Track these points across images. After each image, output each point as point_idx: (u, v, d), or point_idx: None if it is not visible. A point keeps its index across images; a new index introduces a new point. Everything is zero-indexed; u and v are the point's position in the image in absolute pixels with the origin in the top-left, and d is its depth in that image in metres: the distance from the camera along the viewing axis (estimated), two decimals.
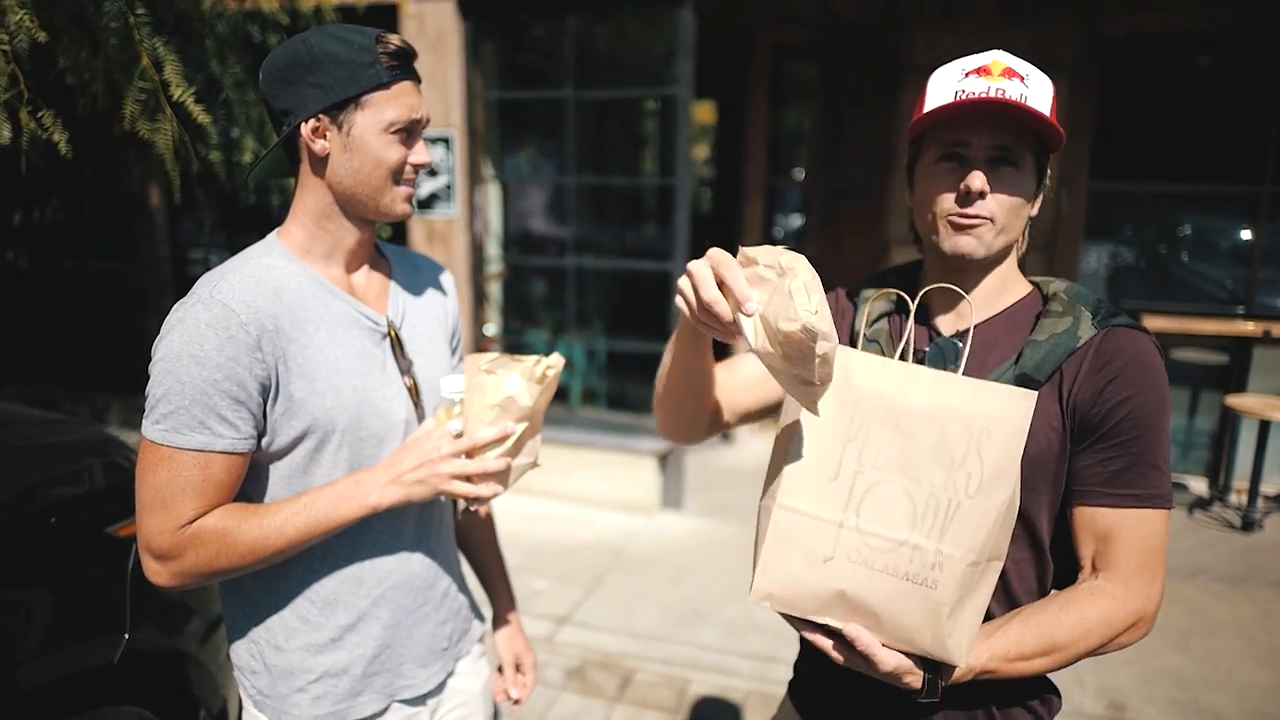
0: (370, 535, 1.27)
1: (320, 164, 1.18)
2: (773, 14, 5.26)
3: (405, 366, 1.29)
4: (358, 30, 1.16)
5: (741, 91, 5.71)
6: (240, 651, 1.29)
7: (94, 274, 6.25)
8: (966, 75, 1.06)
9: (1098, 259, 5.10)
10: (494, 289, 5.31)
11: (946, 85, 1.07)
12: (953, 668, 0.99)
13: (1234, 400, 4.40)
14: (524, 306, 5.56)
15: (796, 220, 6.08)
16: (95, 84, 2.51)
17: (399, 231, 5.38)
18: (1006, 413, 0.96)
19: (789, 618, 1.03)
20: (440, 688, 1.42)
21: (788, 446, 1.02)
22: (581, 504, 4.85)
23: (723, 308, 0.89)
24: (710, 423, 1.32)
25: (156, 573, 1.13)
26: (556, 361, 1.25)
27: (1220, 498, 4.76)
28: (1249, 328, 4.60)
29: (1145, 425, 1.04)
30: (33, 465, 1.86)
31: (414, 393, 1.30)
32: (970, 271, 1.13)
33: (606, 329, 5.31)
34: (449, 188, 4.83)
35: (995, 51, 1.08)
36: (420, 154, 1.22)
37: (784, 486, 1.00)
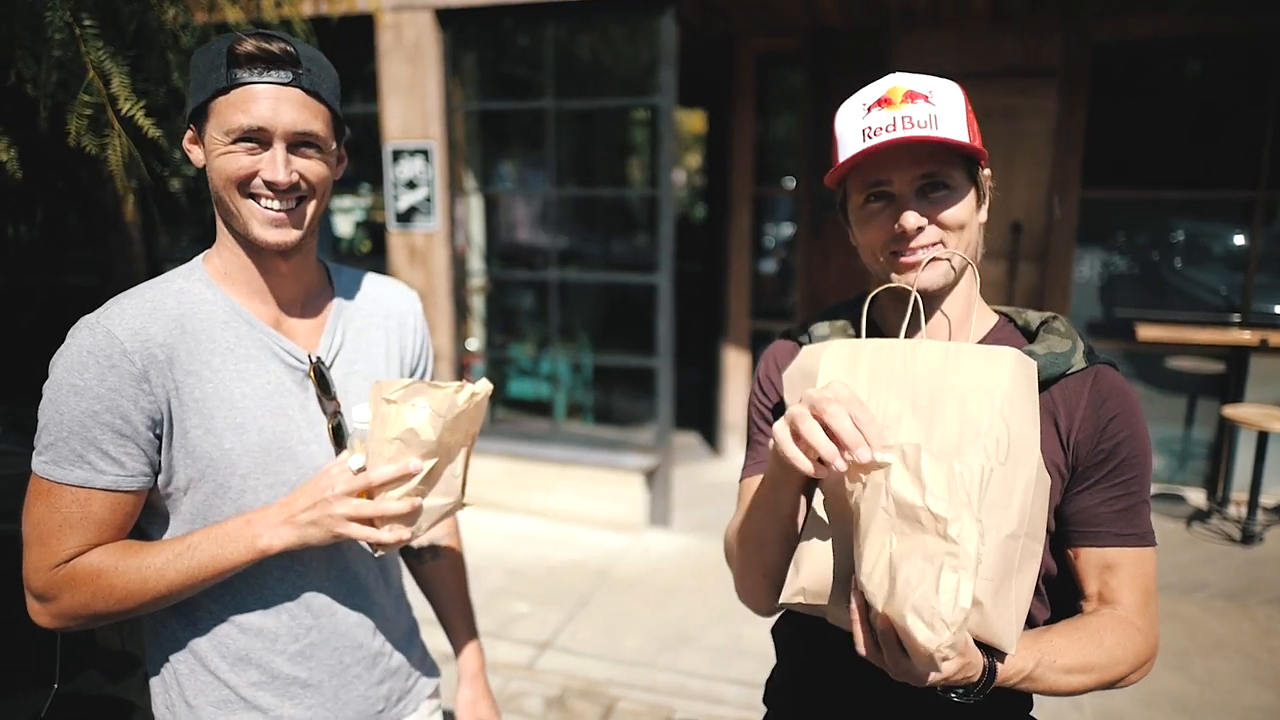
0: (284, 588, 1.16)
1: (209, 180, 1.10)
2: (756, 22, 5.18)
3: (330, 409, 1.18)
4: (231, 36, 1.05)
5: (728, 101, 5.63)
6: (157, 701, 1.20)
7: (70, 289, 6.13)
8: (869, 110, 1.01)
9: (1090, 267, 5.02)
10: (477, 302, 5.21)
11: (852, 125, 1.02)
12: (1002, 658, 0.93)
13: (1231, 410, 4.31)
14: (508, 320, 5.47)
15: (787, 230, 6.00)
16: (47, 98, 2.42)
17: (378, 244, 5.29)
18: (1021, 379, 0.94)
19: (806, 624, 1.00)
20: None
21: None
22: (566, 522, 4.74)
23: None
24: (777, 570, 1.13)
25: (38, 613, 1.07)
26: (482, 388, 1.11)
27: (1219, 510, 4.67)
28: (1245, 336, 4.52)
29: (1143, 464, 1.05)
30: None
31: (333, 436, 1.18)
32: (934, 300, 1.08)
33: (592, 342, 5.21)
34: (429, 200, 4.73)
35: (893, 76, 1.03)
36: (272, 169, 1.05)
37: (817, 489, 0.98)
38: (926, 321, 1.06)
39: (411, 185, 4.73)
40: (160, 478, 1.08)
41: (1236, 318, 4.79)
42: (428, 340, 1.40)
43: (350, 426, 1.18)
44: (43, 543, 1.04)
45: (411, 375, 1.34)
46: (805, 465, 0.87)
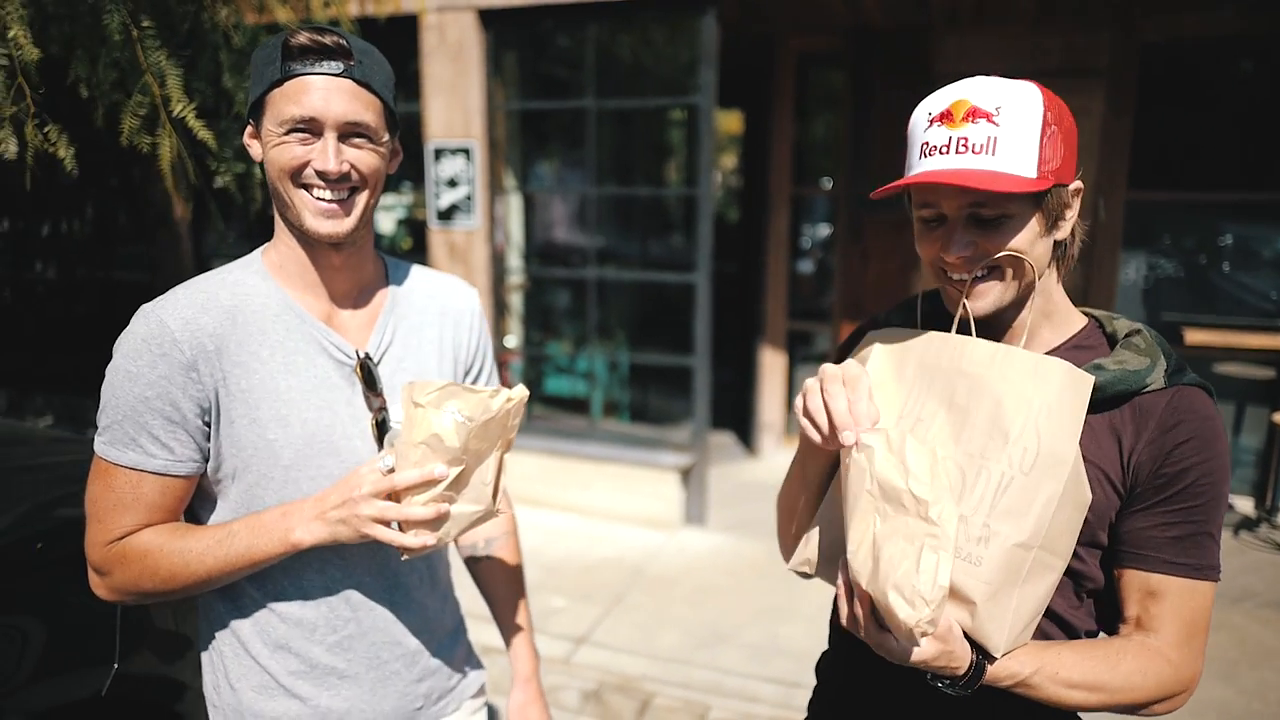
0: (323, 580, 1.18)
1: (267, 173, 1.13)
2: (797, 22, 5.17)
3: (375, 404, 1.18)
4: (287, 31, 1.07)
5: (767, 101, 5.62)
6: (206, 681, 1.25)
7: (121, 284, 6.30)
8: (931, 123, 0.98)
9: (1136, 270, 4.93)
10: (515, 300, 5.25)
11: (916, 137, 1.01)
12: (991, 661, 0.95)
13: None
14: (546, 318, 5.51)
15: (824, 231, 5.98)
16: (104, 97, 2.49)
17: (419, 242, 5.36)
18: (1068, 394, 0.93)
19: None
20: None
21: None
22: (602, 519, 4.76)
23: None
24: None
25: (96, 585, 1.12)
26: (518, 394, 1.08)
27: (1268, 518, 4.57)
28: None
29: (1211, 494, 0.99)
30: (34, 486, 1.82)
31: (379, 432, 1.19)
32: (994, 314, 1.04)
33: (629, 341, 5.23)
34: (469, 199, 4.78)
35: (962, 86, 0.98)
36: (323, 159, 1.06)
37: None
38: (991, 329, 1.05)
39: (452, 183, 4.79)
40: (209, 464, 1.11)
41: None
42: (486, 338, 1.38)
43: (393, 424, 1.19)
44: (99, 519, 1.08)
45: (467, 374, 1.33)
46: (812, 434, 0.95)
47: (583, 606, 3.75)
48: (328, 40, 1.06)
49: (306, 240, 1.14)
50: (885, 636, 0.92)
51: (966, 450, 0.94)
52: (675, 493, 4.65)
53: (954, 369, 0.98)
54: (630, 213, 5.38)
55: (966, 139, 0.95)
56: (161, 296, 1.10)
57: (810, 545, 1.04)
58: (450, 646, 1.34)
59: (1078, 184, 1.02)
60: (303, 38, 1.05)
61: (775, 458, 5.67)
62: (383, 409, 1.19)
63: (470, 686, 1.39)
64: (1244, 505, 4.78)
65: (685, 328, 4.64)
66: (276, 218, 1.16)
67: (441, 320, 1.30)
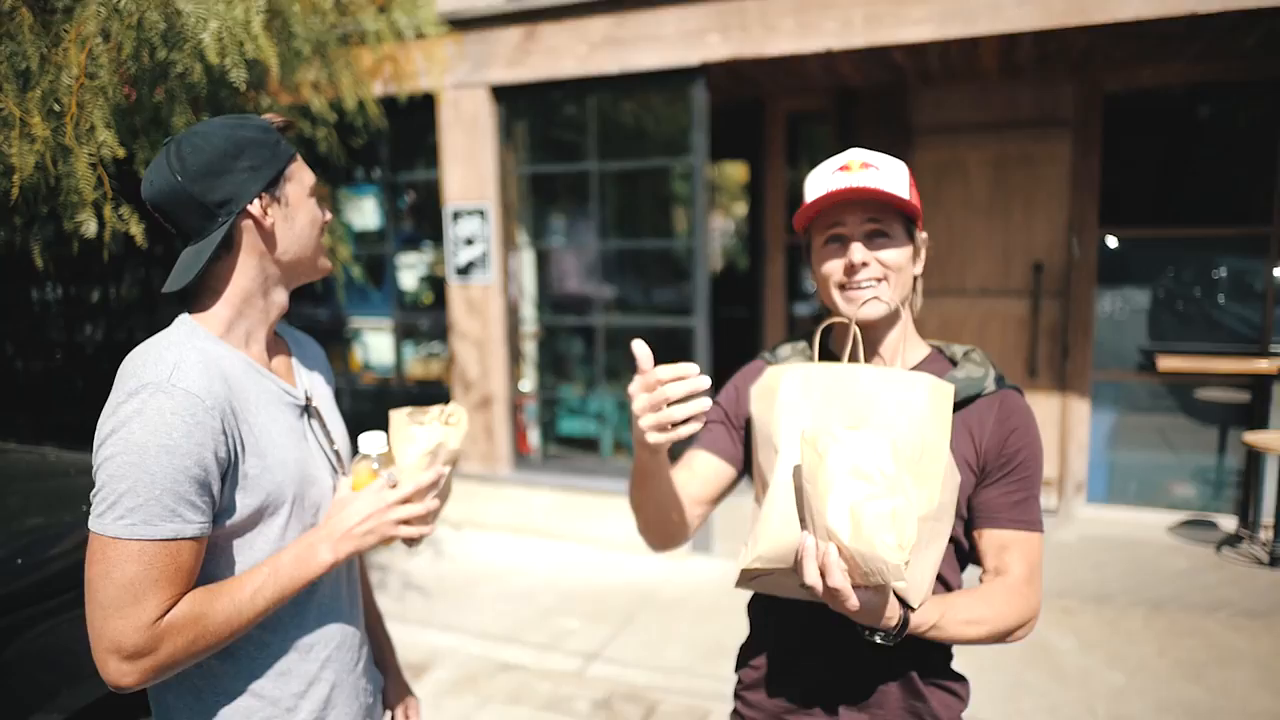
0: (315, 601, 1.32)
1: (269, 240, 1.25)
2: (783, 86, 5.58)
3: (329, 435, 1.37)
4: (244, 116, 1.25)
5: (762, 154, 6.03)
6: None
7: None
8: (834, 173, 1.31)
9: (1112, 303, 5.22)
10: (529, 348, 5.63)
11: (820, 183, 1.32)
12: (912, 611, 1.15)
13: (1252, 437, 4.46)
14: (558, 363, 5.86)
15: None
16: None
17: (438, 297, 5.76)
18: (938, 399, 1.17)
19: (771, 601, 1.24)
20: None
21: (768, 452, 1.24)
22: (613, 549, 5.05)
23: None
24: (683, 524, 1.43)
25: (125, 674, 1.09)
26: (455, 409, 1.41)
27: (1250, 535, 4.77)
28: (1263, 365, 4.68)
29: (1035, 466, 1.30)
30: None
31: (337, 459, 1.38)
32: (874, 330, 1.33)
33: None
34: (485, 256, 5.19)
35: (853, 151, 1.33)
36: (326, 212, 1.35)
37: (775, 471, 1.18)
38: (869, 350, 1.34)
39: (469, 242, 5.20)
40: (228, 518, 1.18)
41: (1257, 348, 4.95)
42: (332, 375, 1.58)
43: (358, 451, 1.36)
44: (138, 601, 1.07)
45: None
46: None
47: (595, 627, 4.04)
48: (285, 120, 1.33)
49: (281, 294, 1.31)
50: (849, 592, 1.03)
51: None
52: None
53: (850, 390, 1.19)
54: (636, 263, 5.76)
55: (863, 180, 1.26)
56: (148, 369, 1.12)
57: (760, 544, 1.14)
58: (368, 646, 1.52)
59: (924, 235, 1.36)
60: (278, 119, 1.29)
61: None
62: (331, 437, 1.38)
63: (381, 684, 1.57)
64: (1228, 524, 4.99)
65: None
66: (247, 282, 1.25)
67: (317, 362, 1.50)
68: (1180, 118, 5.13)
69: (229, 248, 1.23)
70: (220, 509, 1.17)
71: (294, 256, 1.28)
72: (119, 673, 1.09)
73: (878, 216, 1.29)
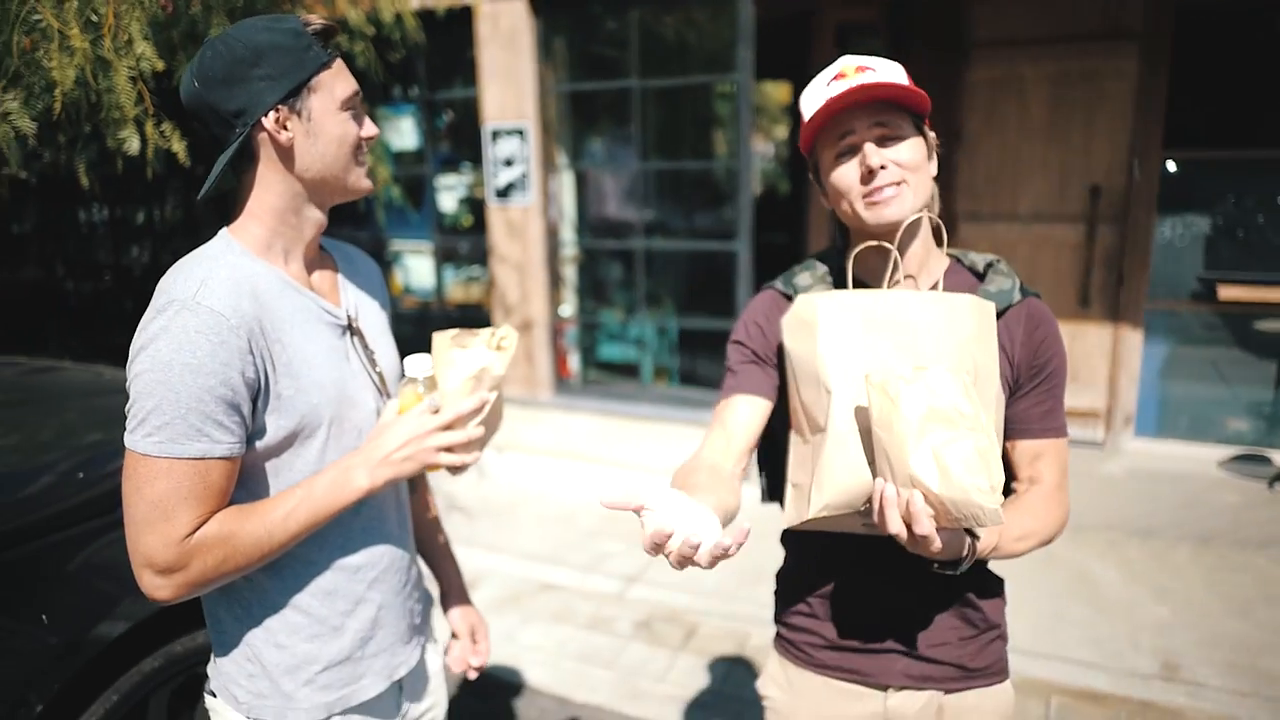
0: (361, 523, 1.30)
1: (286, 155, 1.17)
2: None
3: (370, 357, 1.32)
4: (280, 18, 1.15)
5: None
6: (231, 660, 1.28)
7: None
8: (829, 83, 1.23)
9: (1172, 229, 5.02)
10: (569, 272, 5.58)
11: (818, 95, 1.23)
12: (977, 539, 1.15)
13: None
14: (598, 288, 5.82)
15: None
16: None
17: (478, 219, 5.71)
18: (982, 319, 1.15)
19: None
20: (418, 665, 1.46)
21: (815, 390, 1.18)
22: (654, 473, 5.08)
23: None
24: (734, 493, 1.27)
25: (159, 587, 1.10)
26: (508, 332, 1.32)
27: None
28: None
29: (1062, 374, 1.30)
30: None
31: (381, 380, 1.33)
32: (898, 240, 1.25)
33: (677, 307, 5.52)
34: (524, 177, 5.10)
35: (844, 58, 1.25)
36: (369, 127, 1.23)
37: (832, 414, 1.13)
38: (897, 267, 1.26)
39: (509, 163, 5.11)
40: (259, 440, 1.16)
41: None
42: (387, 296, 1.52)
43: (403, 373, 1.32)
44: (168, 518, 1.07)
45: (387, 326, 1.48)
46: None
47: (636, 551, 4.08)
48: (328, 22, 1.19)
49: (318, 212, 1.24)
50: (936, 537, 1.01)
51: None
52: None
53: (892, 318, 1.15)
54: (677, 185, 5.65)
55: (861, 78, 1.19)
56: (188, 287, 1.10)
57: (825, 492, 1.11)
58: (420, 569, 1.51)
59: (934, 134, 1.27)
60: (317, 21, 1.17)
61: None
62: (375, 359, 1.33)
63: (432, 600, 1.56)
64: None
65: (730, 294, 4.91)
66: (275, 199, 1.20)
67: (370, 280, 1.44)
68: (1256, 33, 4.82)
69: (252, 160, 1.18)
70: (253, 430, 1.15)
71: (318, 175, 1.19)
72: (153, 586, 1.10)
73: (884, 120, 1.20)
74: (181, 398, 1.05)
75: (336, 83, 1.18)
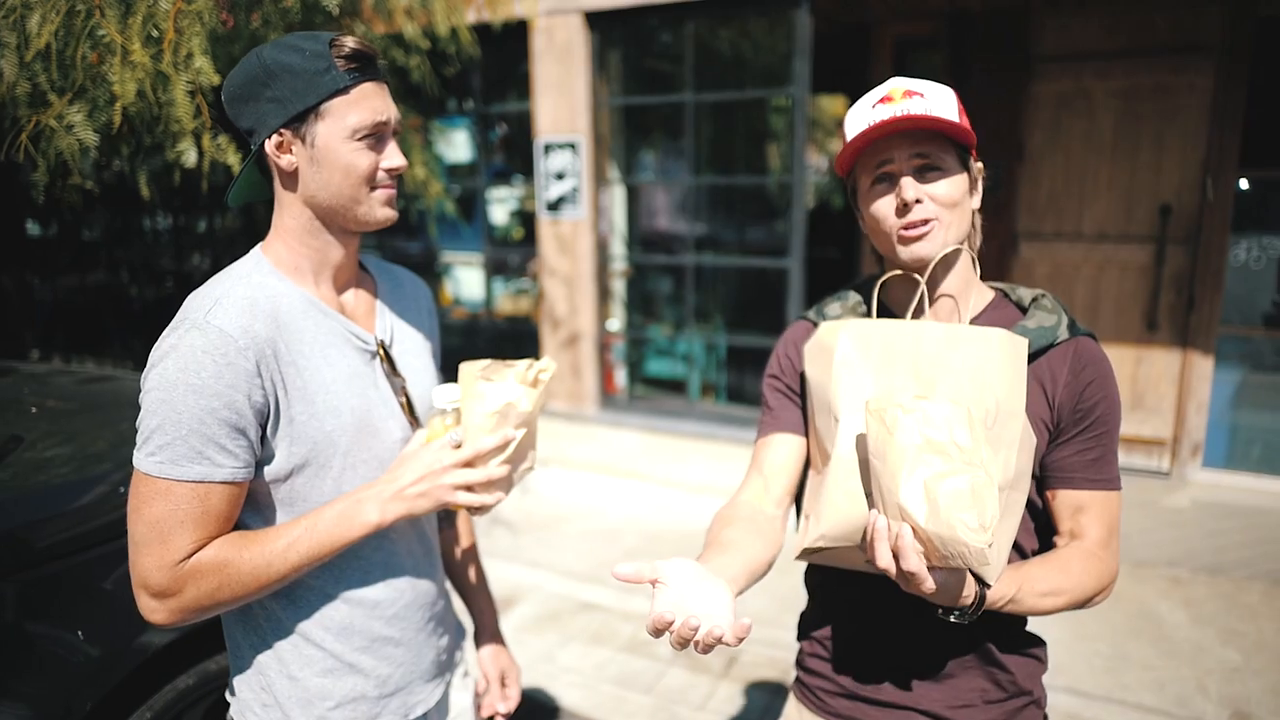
0: (382, 556, 1.25)
1: (291, 180, 1.14)
2: (893, 9, 5.24)
3: (398, 385, 1.26)
4: (311, 36, 1.10)
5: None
6: (246, 684, 1.25)
7: None
8: (874, 106, 1.17)
9: (1247, 251, 4.80)
10: (618, 286, 5.55)
11: (861, 118, 1.17)
12: (988, 588, 1.06)
13: None
14: (646, 303, 5.78)
15: None
16: None
17: (529, 232, 5.72)
18: (1011, 356, 1.08)
19: (831, 570, 1.15)
20: (441, 701, 1.41)
21: (827, 419, 1.15)
22: (698, 493, 5.01)
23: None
24: (776, 543, 1.27)
25: (153, 610, 1.07)
26: (548, 365, 1.24)
27: None
28: None
29: (1113, 421, 1.19)
30: None
31: (408, 410, 1.27)
32: (933, 275, 1.20)
33: (726, 324, 5.45)
34: (576, 190, 5.10)
35: (895, 79, 1.19)
36: (392, 158, 1.15)
37: (838, 442, 1.11)
38: (931, 300, 1.20)
39: (560, 176, 5.11)
40: (269, 466, 1.12)
41: None
42: (436, 322, 1.48)
43: (431, 404, 1.26)
44: (164, 541, 1.04)
45: (435, 355, 1.43)
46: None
47: None
48: (367, 47, 1.11)
49: (344, 236, 1.19)
50: (925, 575, 0.96)
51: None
52: None
53: (914, 349, 1.10)
54: (729, 200, 5.59)
55: (908, 109, 1.13)
56: (202, 306, 1.08)
57: (822, 523, 1.08)
58: (448, 603, 1.45)
59: (980, 165, 1.21)
60: (350, 43, 1.10)
61: None
62: (404, 388, 1.27)
63: (462, 644, 1.51)
64: None
65: (780, 311, 4.82)
66: (297, 219, 1.17)
67: (417, 305, 1.39)
68: None
69: (270, 180, 1.17)
70: (263, 456, 1.11)
71: (325, 203, 1.14)
72: (148, 609, 1.08)
73: (925, 150, 1.15)
74: (184, 418, 1.02)
75: (352, 110, 1.10)
